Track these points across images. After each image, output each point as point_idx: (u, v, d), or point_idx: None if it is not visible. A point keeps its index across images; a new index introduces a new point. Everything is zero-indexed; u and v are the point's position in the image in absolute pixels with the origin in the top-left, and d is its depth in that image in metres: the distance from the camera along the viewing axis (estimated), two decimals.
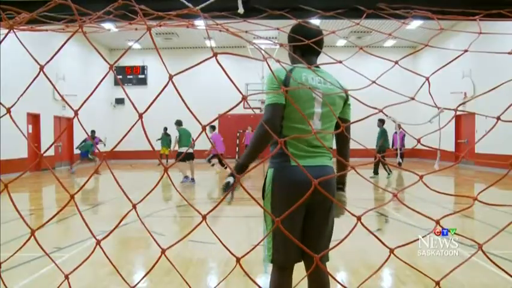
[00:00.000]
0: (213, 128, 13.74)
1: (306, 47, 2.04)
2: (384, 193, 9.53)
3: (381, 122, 12.25)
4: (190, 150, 11.18)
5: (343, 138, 2.28)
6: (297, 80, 2.04)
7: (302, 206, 2.02)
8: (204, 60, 1.29)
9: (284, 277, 2.15)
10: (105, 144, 15.75)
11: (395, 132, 13.54)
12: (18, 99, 1.60)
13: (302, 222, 2.13)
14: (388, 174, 12.22)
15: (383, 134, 12.20)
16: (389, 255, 1.08)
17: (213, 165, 13.80)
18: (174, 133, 12.23)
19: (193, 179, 11.27)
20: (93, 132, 15.19)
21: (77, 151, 14.88)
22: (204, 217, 1.14)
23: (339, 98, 2.16)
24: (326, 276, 2.19)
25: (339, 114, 2.18)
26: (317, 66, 2.17)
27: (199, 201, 8.76)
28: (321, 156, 2.12)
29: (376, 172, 12.31)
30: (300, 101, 2.04)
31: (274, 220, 2.08)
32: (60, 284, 1.24)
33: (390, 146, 13.59)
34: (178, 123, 11.42)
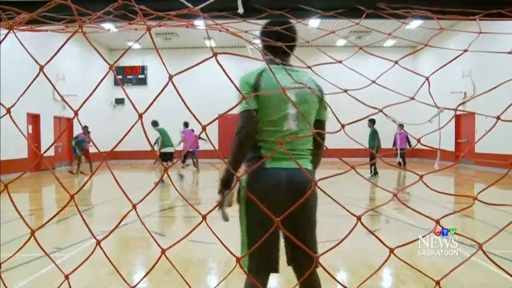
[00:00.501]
0: (185, 124, 13.23)
1: (279, 46, 1.95)
2: (383, 192, 9.53)
3: (372, 122, 12.27)
4: (171, 151, 10.96)
5: (317, 142, 2.16)
6: (267, 86, 1.99)
7: (279, 210, 1.91)
8: (204, 60, 1.29)
9: (260, 285, 2.07)
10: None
11: (397, 133, 13.55)
12: (18, 99, 1.60)
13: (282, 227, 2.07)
14: (372, 175, 12.22)
15: (375, 134, 12.20)
16: (389, 255, 1.08)
17: (187, 165, 13.52)
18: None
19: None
20: (86, 127, 14.84)
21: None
22: (204, 217, 1.14)
23: (314, 97, 2.10)
24: (317, 280, 2.14)
25: (315, 116, 2.14)
26: (289, 65, 2.13)
27: (199, 201, 8.76)
28: (299, 159, 2.05)
29: (375, 172, 12.33)
30: (272, 103, 2.01)
31: (250, 225, 2.03)
32: (60, 284, 1.24)
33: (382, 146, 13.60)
34: (155, 123, 11.16)
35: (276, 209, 1.86)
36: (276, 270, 2.09)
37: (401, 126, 12.86)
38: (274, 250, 2.06)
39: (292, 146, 2.06)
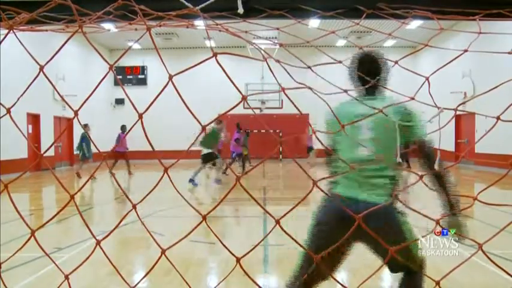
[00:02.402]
0: (122, 128, 12.45)
1: (359, 76, 2.09)
2: None
3: None
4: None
5: (422, 159, 2.09)
6: (341, 116, 1.97)
7: (337, 236, 1.86)
8: (204, 60, 1.29)
9: None
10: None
11: None
12: (18, 99, 1.60)
13: (345, 250, 2.14)
14: None
15: None
16: (390, 255, 1.08)
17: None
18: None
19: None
20: (85, 125, 14.10)
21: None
22: (204, 217, 1.14)
23: (393, 121, 1.99)
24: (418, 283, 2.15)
25: (405, 138, 2.04)
26: (373, 93, 2.13)
27: (199, 201, 8.76)
28: (372, 190, 2.01)
29: None
30: (344, 135, 2.06)
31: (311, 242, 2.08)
32: (60, 284, 1.24)
33: None
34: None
35: (334, 234, 1.87)
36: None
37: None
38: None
39: (365, 174, 2.04)
